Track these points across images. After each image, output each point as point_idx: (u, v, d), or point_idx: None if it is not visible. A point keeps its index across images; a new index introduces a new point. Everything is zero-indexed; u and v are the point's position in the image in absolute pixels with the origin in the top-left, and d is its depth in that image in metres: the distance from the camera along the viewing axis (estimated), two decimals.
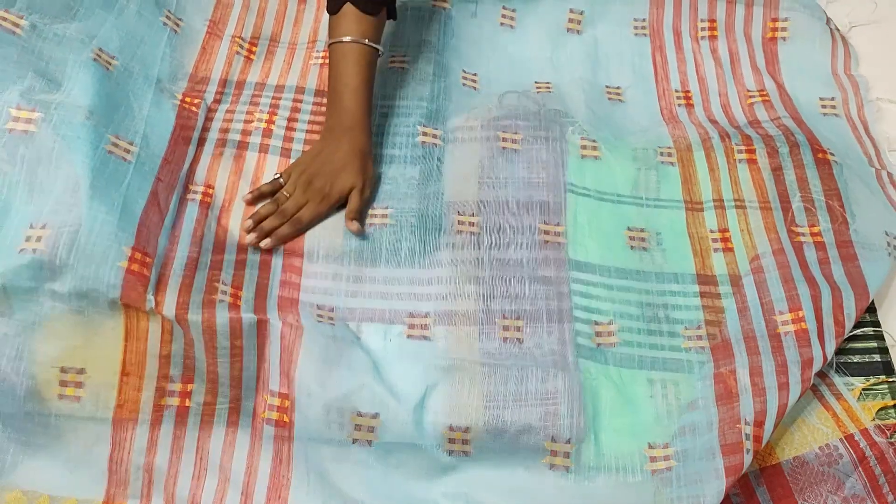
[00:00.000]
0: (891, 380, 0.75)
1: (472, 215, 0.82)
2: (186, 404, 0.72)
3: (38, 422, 0.70)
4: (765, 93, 0.95)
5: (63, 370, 0.70)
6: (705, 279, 0.80)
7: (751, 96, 0.95)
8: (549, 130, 0.89)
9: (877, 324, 0.78)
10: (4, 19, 0.83)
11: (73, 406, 0.71)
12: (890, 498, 0.68)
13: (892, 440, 0.71)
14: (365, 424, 0.71)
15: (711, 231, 0.84)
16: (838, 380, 0.75)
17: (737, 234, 0.83)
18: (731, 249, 0.82)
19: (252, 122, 0.89)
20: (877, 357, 0.76)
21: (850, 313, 0.75)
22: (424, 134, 0.88)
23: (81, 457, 0.71)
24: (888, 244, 0.80)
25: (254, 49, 0.97)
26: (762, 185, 0.85)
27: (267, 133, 0.88)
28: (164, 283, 0.73)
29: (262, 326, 0.74)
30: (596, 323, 0.77)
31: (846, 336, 0.75)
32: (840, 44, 0.99)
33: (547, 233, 0.82)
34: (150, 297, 0.71)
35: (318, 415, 0.70)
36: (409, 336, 0.76)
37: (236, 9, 1.00)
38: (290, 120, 0.90)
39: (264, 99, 0.92)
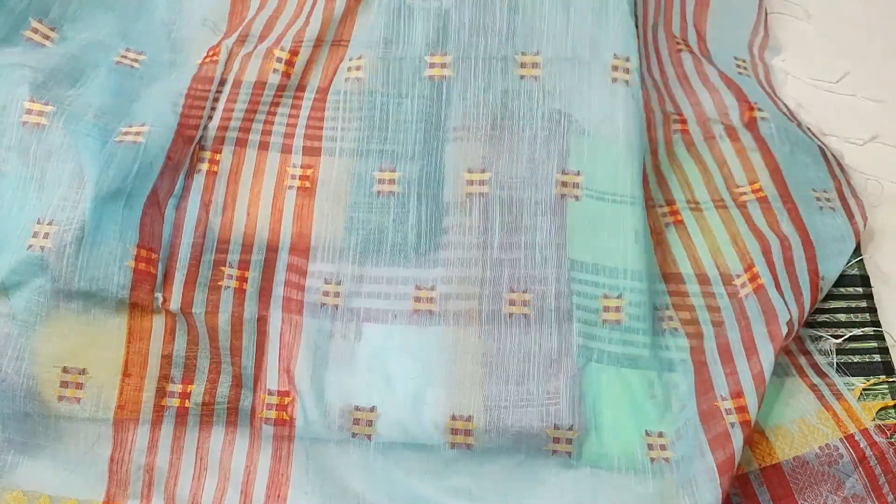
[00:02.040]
0: (891, 380, 0.75)
1: (473, 213, 0.81)
2: (186, 405, 0.72)
3: (38, 422, 0.70)
4: (688, 44, 0.96)
5: (65, 370, 0.71)
6: (669, 277, 0.81)
7: (678, 43, 0.95)
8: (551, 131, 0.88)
9: (877, 324, 0.78)
10: (35, 31, 0.85)
11: (74, 407, 0.71)
12: (890, 498, 0.68)
13: (893, 440, 0.71)
14: (363, 419, 0.71)
15: (660, 206, 0.84)
16: (838, 380, 0.74)
17: (685, 210, 0.84)
18: (681, 222, 0.83)
19: (252, 119, 0.87)
20: (877, 357, 0.76)
21: (801, 263, 0.76)
22: (432, 66, 0.85)
23: (82, 457, 0.71)
24: (817, 199, 0.82)
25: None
26: (699, 157, 0.86)
27: (266, 131, 0.87)
28: (170, 276, 0.74)
29: (262, 324, 0.74)
30: (599, 310, 0.77)
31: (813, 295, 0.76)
32: (761, 26, 1.00)
33: (549, 232, 0.82)
34: (158, 294, 0.72)
35: (317, 412, 0.71)
36: (414, 311, 0.77)
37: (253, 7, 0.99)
38: (290, 116, 0.88)
39: (265, 97, 0.91)
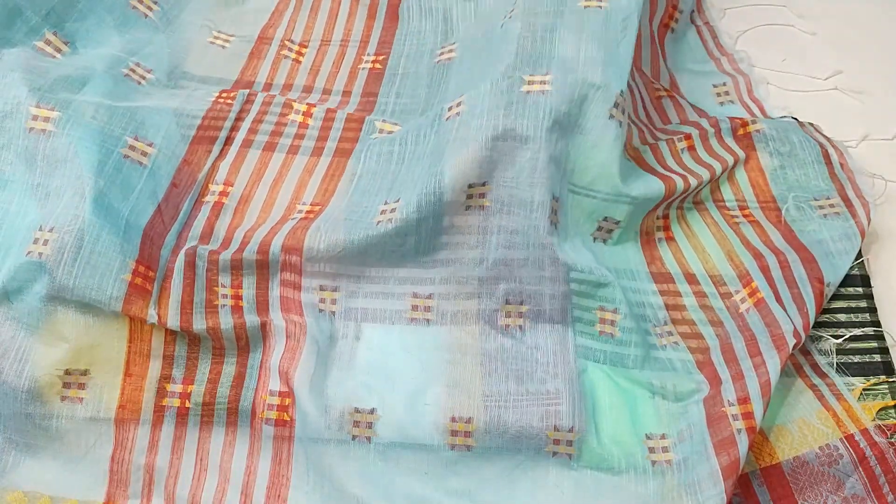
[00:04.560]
0: (891, 380, 0.74)
1: (483, 200, 0.81)
2: (186, 405, 0.72)
3: (39, 423, 0.71)
4: (665, 88, 0.96)
5: (67, 372, 0.71)
6: (660, 277, 0.81)
7: (657, 89, 0.96)
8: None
9: (877, 324, 0.78)
10: (48, 43, 0.87)
11: (76, 407, 0.71)
12: (890, 498, 0.68)
13: (893, 440, 0.70)
14: (363, 421, 0.71)
15: (657, 218, 0.85)
16: (839, 380, 0.74)
17: (675, 223, 0.85)
18: (672, 239, 0.83)
19: (285, 123, 0.88)
20: (877, 357, 0.76)
21: (801, 274, 0.76)
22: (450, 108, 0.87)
23: (83, 457, 0.71)
24: (820, 207, 0.82)
25: (303, 52, 0.97)
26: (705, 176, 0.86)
27: (300, 135, 0.88)
28: (165, 295, 0.74)
29: (265, 327, 0.74)
30: (595, 322, 0.77)
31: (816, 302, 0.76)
32: (715, 49, 1.01)
33: (547, 233, 0.82)
34: (153, 311, 0.72)
35: (317, 413, 0.71)
36: (411, 320, 0.77)
37: (288, 12, 1.00)
38: (325, 120, 0.89)
39: (301, 101, 0.92)
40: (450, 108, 0.83)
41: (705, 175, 0.85)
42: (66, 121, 0.77)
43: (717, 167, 0.86)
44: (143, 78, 0.87)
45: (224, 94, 0.89)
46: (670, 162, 0.88)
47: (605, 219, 0.82)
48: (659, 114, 0.95)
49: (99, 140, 0.78)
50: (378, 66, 0.96)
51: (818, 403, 0.73)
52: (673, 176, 0.84)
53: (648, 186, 0.81)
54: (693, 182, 0.84)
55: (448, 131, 0.81)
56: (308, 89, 0.95)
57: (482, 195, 0.78)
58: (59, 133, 0.77)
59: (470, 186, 0.77)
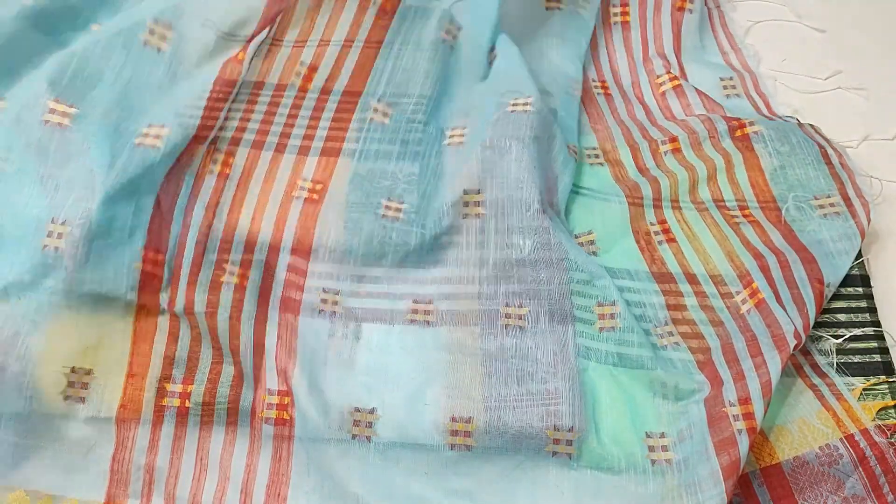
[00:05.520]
0: (891, 380, 0.74)
1: (478, 209, 0.82)
2: (186, 405, 0.73)
3: (41, 422, 0.71)
4: (673, 76, 0.96)
5: (73, 371, 0.71)
6: (661, 277, 0.81)
7: (661, 84, 0.96)
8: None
9: (877, 324, 0.78)
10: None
11: (78, 407, 0.71)
12: (890, 498, 0.68)
13: (893, 440, 0.70)
14: (363, 420, 0.71)
15: (651, 224, 0.85)
16: (839, 380, 0.74)
17: (675, 225, 0.84)
18: (673, 240, 0.83)
19: (270, 122, 0.88)
20: (877, 357, 0.76)
21: (801, 274, 0.76)
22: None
23: (84, 457, 0.71)
24: (820, 206, 0.82)
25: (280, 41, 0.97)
26: (682, 176, 0.87)
27: (286, 133, 0.88)
28: (176, 276, 0.74)
29: (259, 324, 0.75)
30: (595, 321, 0.77)
31: (815, 302, 0.76)
32: (726, 43, 1.02)
33: (547, 232, 0.82)
34: (164, 295, 0.73)
35: (317, 413, 0.71)
36: (411, 321, 0.77)
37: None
38: (311, 119, 0.89)
39: (285, 99, 0.92)
40: (451, 136, 0.88)
41: (682, 175, 0.86)
42: (82, 116, 0.78)
43: (701, 167, 0.86)
44: (164, 38, 0.85)
45: (217, 88, 0.88)
46: (650, 164, 0.89)
47: (576, 235, 0.85)
48: (662, 110, 0.95)
49: (113, 133, 0.78)
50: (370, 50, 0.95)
51: (818, 403, 0.73)
52: (640, 180, 0.86)
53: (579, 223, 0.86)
54: (665, 183, 0.85)
55: (449, 157, 0.86)
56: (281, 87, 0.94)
57: (478, 203, 0.80)
58: (75, 128, 0.77)
59: (465, 193, 0.80)
